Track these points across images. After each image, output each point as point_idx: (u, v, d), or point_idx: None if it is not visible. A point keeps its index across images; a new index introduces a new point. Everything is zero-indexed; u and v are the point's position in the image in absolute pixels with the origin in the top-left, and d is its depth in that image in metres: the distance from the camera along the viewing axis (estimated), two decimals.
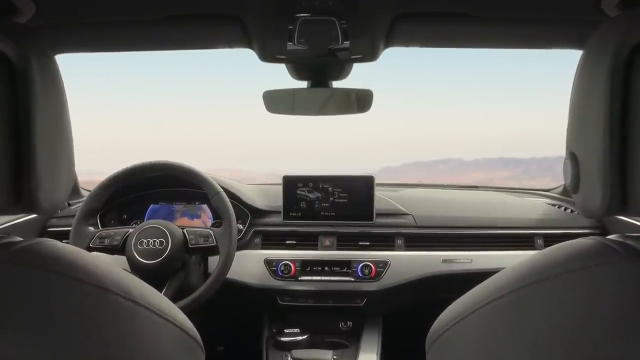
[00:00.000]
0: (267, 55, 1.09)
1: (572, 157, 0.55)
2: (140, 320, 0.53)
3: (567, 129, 0.57)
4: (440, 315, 0.64)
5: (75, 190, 1.68)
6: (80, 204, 1.38)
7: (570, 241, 0.55)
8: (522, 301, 0.51)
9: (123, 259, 1.30)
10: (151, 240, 1.28)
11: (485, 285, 0.58)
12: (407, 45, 1.17)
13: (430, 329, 0.65)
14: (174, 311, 0.58)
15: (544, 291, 0.50)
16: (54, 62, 0.55)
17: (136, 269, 1.28)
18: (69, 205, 1.63)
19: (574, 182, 0.55)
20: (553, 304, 0.49)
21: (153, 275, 1.29)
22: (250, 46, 1.10)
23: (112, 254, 1.34)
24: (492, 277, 0.59)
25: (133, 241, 1.29)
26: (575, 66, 0.57)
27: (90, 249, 1.31)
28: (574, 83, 0.56)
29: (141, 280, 0.58)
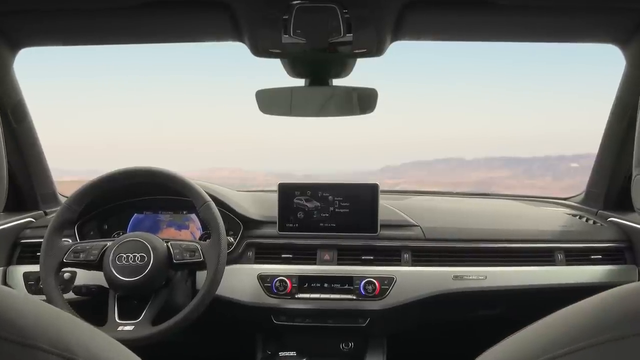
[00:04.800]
0: (260, 48, 0.98)
1: None
2: None
3: (638, 137, 0.46)
4: None
5: (52, 198, 1.56)
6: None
7: None
8: None
9: (101, 275, 1.20)
10: (131, 255, 1.19)
11: (537, 333, 0.45)
12: (417, 39, 1.06)
13: None
14: None
15: (624, 353, 0.38)
16: None
17: (114, 286, 1.20)
18: (46, 214, 1.51)
19: None
20: None
21: (133, 294, 1.21)
22: (240, 39, 0.99)
23: (89, 269, 1.25)
24: (544, 320, 0.46)
25: (111, 256, 1.19)
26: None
27: (64, 264, 1.22)
28: None
29: (86, 325, 0.47)
